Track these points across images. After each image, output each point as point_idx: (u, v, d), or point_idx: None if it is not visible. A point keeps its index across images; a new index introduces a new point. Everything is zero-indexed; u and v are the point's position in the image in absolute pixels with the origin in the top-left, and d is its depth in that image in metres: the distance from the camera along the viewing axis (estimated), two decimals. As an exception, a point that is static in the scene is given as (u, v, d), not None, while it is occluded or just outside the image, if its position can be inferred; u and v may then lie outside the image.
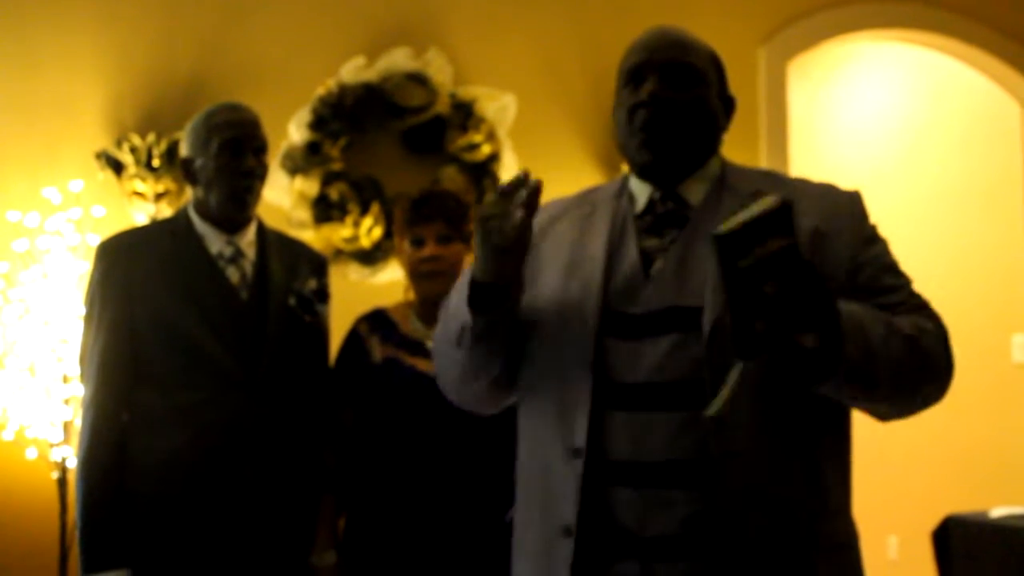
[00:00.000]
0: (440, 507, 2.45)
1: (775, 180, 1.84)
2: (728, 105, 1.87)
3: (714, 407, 1.52)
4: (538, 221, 1.85)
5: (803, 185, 1.84)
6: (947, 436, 5.87)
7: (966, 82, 5.57)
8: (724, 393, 1.52)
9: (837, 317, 1.52)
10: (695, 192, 1.79)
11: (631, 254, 1.75)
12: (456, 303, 1.77)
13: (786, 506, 1.65)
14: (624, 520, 1.67)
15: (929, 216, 6.03)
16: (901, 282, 1.77)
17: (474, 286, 1.71)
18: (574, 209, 1.88)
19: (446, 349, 1.83)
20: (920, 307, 1.75)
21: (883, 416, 1.73)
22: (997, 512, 3.81)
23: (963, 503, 4.67)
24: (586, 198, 1.90)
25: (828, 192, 1.81)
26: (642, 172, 1.81)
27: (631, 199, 1.83)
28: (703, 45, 1.84)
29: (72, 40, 3.93)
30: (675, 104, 1.76)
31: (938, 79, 5.89)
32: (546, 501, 1.74)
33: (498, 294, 1.70)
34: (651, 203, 1.80)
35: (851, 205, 1.79)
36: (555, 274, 1.80)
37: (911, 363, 1.64)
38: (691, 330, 1.66)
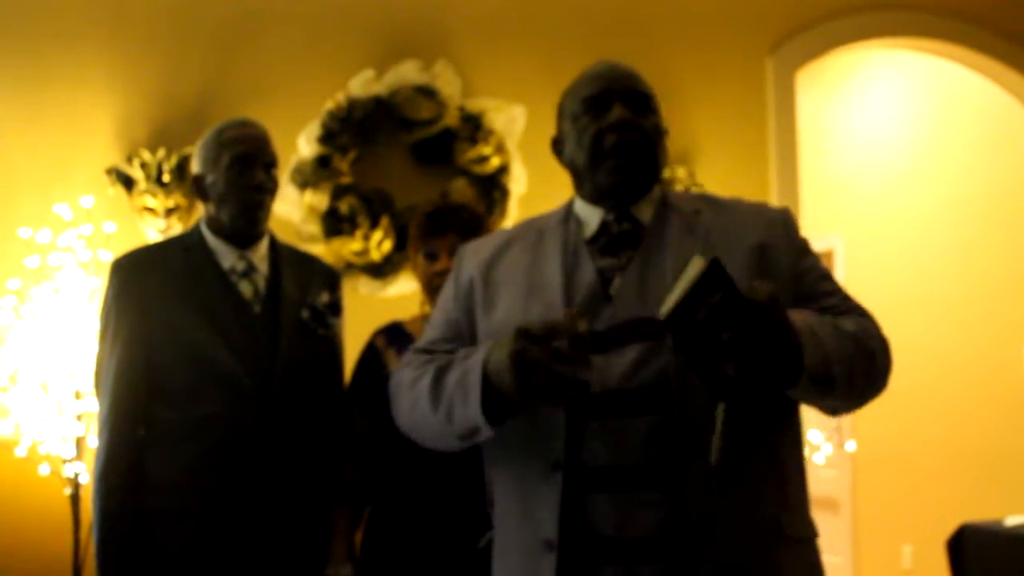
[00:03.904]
0: (457, 518, 2.45)
1: (710, 201, 1.94)
2: (663, 135, 1.97)
3: (714, 454, 1.62)
4: (485, 250, 1.96)
5: (739, 204, 1.95)
6: (961, 445, 5.85)
7: (974, 89, 5.57)
8: (716, 439, 1.62)
9: (793, 333, 1.61)
10: (645, 213, 1.89)
11: (588, 275, 1.83)
12: (461, 398, 1.75)
13: (752, 502, 1.72)
14: (602, 525, 1.71)
15: (938, 223, 6.01)
16: (836, 287, 1.89)
17: (488, 392, 1.71)
18: (520, 238, 1.95)
19: (427, 417, 1.84)
20: (854, 309, 1.86)
21: (833, 411, 1.81)
22: (1012, 521, 3.80)
23: (978, 512, 4.66)
24: (530, 226, 1.98)
25: (763, 210, 1.93)
26: (604, 194, 1.88)
27: (579, 224, 1.91)
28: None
29: (82, 57, 3.95)
30: (640, 128, 1.87)
31: (946, 86, 5.89)
32: (525, 516, 1.78)
33: (513, 405, 1.72)
34: (604, 225, 1.88)
35: (784, 221, 1.90)
36: (515, 298, 1.85)
37: (860, 359, 1.74)
38: (657, 339, 1.73)
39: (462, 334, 1.92)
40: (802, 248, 1.89)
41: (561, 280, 1.82)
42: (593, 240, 1.87)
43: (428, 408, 1.82)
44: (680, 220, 1.86)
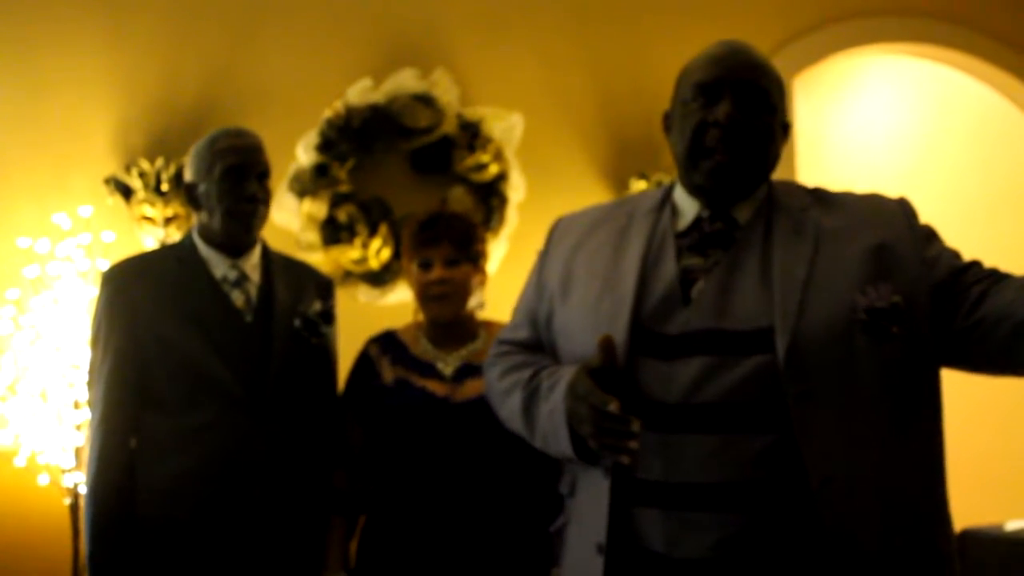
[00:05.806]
0: (451, 527, 2.45)
1: (818, 196, 1.82)
2: (784, 130, 1.85)
3: None
4: (574, 231, 1.88)
5: (852, 200, 1.82)
6: (961, 449, 5.82)
7: (972, 94, 5.56)
8: None
9: None
10: (744, 213, 1.77)
11: (668, 273, 1.74)
12: (553, 435, 1.75)
13: (899, 521, 1.66)
14: (651, 540, 1.66)
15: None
16: (972, 260, 1.77)
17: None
18: (611, 220, 1.86)
19: (525, 436, 1.86)
20: (999, 272, 1.74)
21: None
22: (1012, 525, 3.79)
23: (978, 517, 4.65)
24: (622, 208, 1.88)
25: (878, 203, 1.81)
26: (699, 190, 1.78)
27: (673, 212, 1.81)
28: (772, 67, 1.83)
29: (80, 65, 3.96)
30: (747, 129, 1.74)
31: (944, 92, 5.89)
32: (584, 517, 1.76)
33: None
34: (698, 221, 1.78)
35: (904, 211, 1.79)
36: (589, 290, 1.79)
37: None
38: (728, 353, 1.64)
39: (539, 323, 1.90)
40: (926, 235, 1.78)
41: (636, 275, 1.74)
42: (684, 234, 1.78)
43: (524, 431, 1.85)
44: (787, 219, 1.75)
